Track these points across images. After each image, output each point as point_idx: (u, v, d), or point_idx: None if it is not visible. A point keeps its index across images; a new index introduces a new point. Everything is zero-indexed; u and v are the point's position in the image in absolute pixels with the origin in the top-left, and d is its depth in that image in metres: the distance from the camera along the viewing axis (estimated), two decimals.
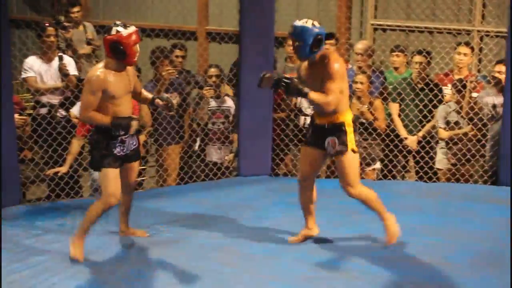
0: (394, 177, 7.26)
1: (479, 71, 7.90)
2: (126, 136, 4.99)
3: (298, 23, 4.90)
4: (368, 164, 7.16)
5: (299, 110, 7.23)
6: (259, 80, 4.91)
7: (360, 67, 7.31)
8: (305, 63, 5.07)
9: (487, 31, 7.89)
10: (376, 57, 8.19)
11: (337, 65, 4.84)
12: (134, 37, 4.81)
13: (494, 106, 6.95)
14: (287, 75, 4.95)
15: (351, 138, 5.01)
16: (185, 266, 4.91)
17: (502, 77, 6.79)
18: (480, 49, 7.98)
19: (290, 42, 7.80)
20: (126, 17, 9.81)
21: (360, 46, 7.46)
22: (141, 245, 5.32)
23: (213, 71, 7.23)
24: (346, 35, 8.59)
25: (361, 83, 7.02)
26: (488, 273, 4.88)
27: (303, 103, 7.18)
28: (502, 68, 6.80)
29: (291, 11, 8.98)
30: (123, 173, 5.08)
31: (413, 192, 6.68)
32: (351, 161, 5.03)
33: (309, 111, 7.13)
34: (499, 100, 6.88)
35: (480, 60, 7.90)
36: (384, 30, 8.50)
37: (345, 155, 4.99)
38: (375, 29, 8.60)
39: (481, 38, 8.02)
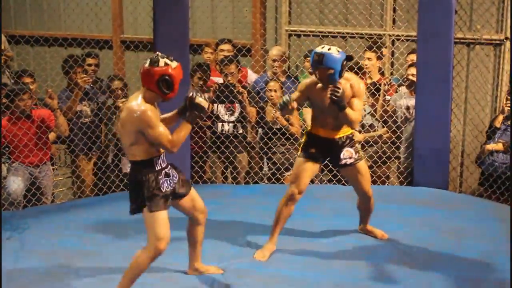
0: (312, 181, 7.32)
1: (391, 74, 8.06)
2: (169, 168, 4.62)
3: (324, 50, 5.02)
4: (287, 169, 7.21)
5: (217, 117, 7.24)
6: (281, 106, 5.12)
7: (275, 73, 7.37)
8: (318, 85, 5.18)
9: (398, 35, 8.06)
10: (291, 62, 8.28)
11: (362, 85, 5.25)
12: (181, 72, 4.53)
13: (407, 108, 7.11)
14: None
15: (359, 146, 5.47)
16: (108, 278, 4.85)
17: (415, 79, 6.95)
18: (392, 53, 8.15)
19: (208, 49, 7.89)
20: (38, 26, 9.65)
21: (274, 52, 7.52)
22: (67, 256, 5.23)
23: (117, 83, 7.18)
24: (260, 41, 8.64)
25: (275, 90, 7.12)
26: (407, 273, 4.98)
27: (220, 110, 7.20)
28: (414, 71, 6.96)
29: (205, 18, 8.99)
30: (183, 206, 4.78)
31: (332, 195, 6.75)
32: (366, 165, 5.45)
33: (226, 118, 7.16)
34: (412, 102, 7.04)
35: (392, 64, 8.05)
36: (298, 36, 8.58)
37: (361, 162, 5.36)
38: (290, 35, 8.68)
39: (393, 42, 8.18)
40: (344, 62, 5.04)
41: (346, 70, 5.14)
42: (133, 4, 9.23)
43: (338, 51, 5.03)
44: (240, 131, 7.26)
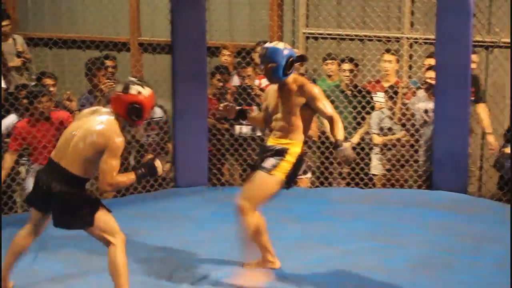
0: (330, 184, 7.33)
1: (409, 77, 8.03)
2: None
3: (270, 44, 4.82)
4: (305, 173, 7.21)
5: None
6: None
7: None
8: (274, 87, 4.92)
9: (416, 38, 8.03)
10: (308, 65, 8.27)
11: (316, 86, 4.87)
12: (153, 101, 4.42)
13: (426, 111, 7.08)
14: None
15: (283, 167, 4.76)
16: None
17: (433, 82, 6.93)
18: (410, 56, 8.12)
19: (225, 52, 7.90)
20: (56, 29, 9.67)
21: None
22: (86, 258, 5.24)
23: None
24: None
25: None
26: (425, 277, 4.96)
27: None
28: (433, 74, 6.93)
29: (222, 21, 8.98)
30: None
31: (349, 198, 6.74)
32: (268, 183, 4.77)
33: (243, 121, 7.17)
34: (430, 105, 7.01)
35: (410, 67, 8.02)
36: (316, 38, 8.56)
37: (265, 174, 4.75)
38: (307, 38, 8.66)
39: (411, 45, 8.15)
40: (291, 59, 4.71)
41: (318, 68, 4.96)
42: (150, 7, 9.25)
43: (285, 47, 4.77)
44: (258, 134, 7.25)
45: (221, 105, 4.97)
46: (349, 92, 7.25)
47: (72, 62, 8.53)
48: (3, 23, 8.16)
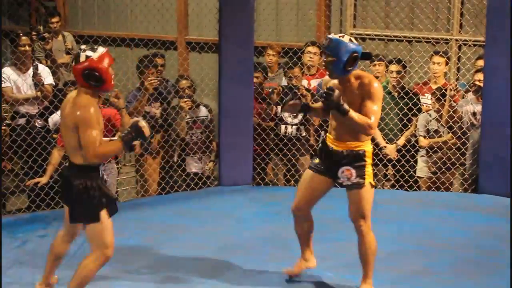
0: (374, 186, 7.28)
1: (457, 79, 7.96)
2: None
3: (334, 36, 4.46)
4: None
5: (280, 119, 7.24)
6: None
7: None
8: (334, 82, 4.53)
9: (465, 40, 7.95)
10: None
11: (378, 85, 4.44)
12: (107, 59, 4.20)
13: (474, 114, 7.00)
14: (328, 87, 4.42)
15: (369, 171, 4.57)
16: (167, 276, 4.89)
17: (482, 85, 6.85)
18: (459, 58, 8.04)
19: (270, 52, 7.91)
20: (105, 27, 9.80)
21: None
22: (127, 254, 5.30)
23: (184, 83, 7.22)
24: None
25: None
26: (470, 281, 4.91)
27: (284, 113, 7.19)
28: (481, 76, 6.85)
29: (270, 20, 9.00)
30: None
31: (394, 200, 6.69)
32: (368, 195, 4.59)
33: (289, 120, 7.16)
34: (478, 108, 6.93)
35: (458, 69, 7.94)
36: (363, 39, 8.53)
37: (362, 190, 4.56)
38: (355, 38, 8.62)
39: (459, 47, 8.07)
40: (354, 55, 4.34)
41: (365, 69, 4.58)
42: (198, 6, 9.31)
43: (351, 41, 4.41)
44: (303, 134, 7.25)
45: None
46: (396, 94, 7.20)
47: (120, 59, 8.60)
48: (54, 19, 8.30)
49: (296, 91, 7.11)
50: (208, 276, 4.93)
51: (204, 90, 7.65)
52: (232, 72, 7.00)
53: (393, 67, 7.26)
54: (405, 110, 7.14)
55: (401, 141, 7.20)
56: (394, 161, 7.20)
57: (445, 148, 7.04)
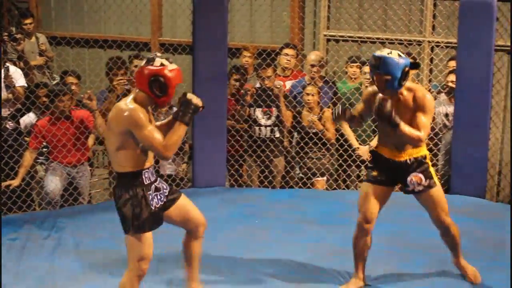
0: (348, 187, 7.32)
1: (430, 81, 8.00)
2: (158, 181, 4.25)
3: (383, 54, 4.45)
4: (322, 174, 7.21)
5: (254, 121, 7.24)
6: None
7: (313, 78, 7.36)
8: (379, 95, 4.53)
9: (437, 42, 8.00)
10: (329, 68, 8.26)
11: (430, 98, 4.57)
12: (178, 76, 4.10)
13: (446, 115, 7.06)
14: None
15: (433, 171, 4.73)
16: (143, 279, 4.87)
17: (454, 86, 6.90)
18: (431, 60, 8.09)
19: (246, 53, 7.91)
20: (79, 28, 9.74)
21: (313, 57, 7.51)
22: (102, 257, 5.27)
23: None
24: (299, 46, 8.63)
25: (312, 94, 7.10)
26: (443, 282, 4.94)
27: (258, 114, 7.20)
28: (454, 77, 6.90)
29: (244, 22, 9.01)
30: (173, 219, 4.41)
31: None
32: (441, 192, 4.79)
33: (263, 121, 7.17)
34: (450, 109, 6.98)
35: (431, 70, 8.00)
36: (337, 41, 8.56)
37: (434, 189, 4.72)
38: (328, 40, 8.66)
39: (432, 48, 8.12)
40: (406, 69, 4.42)
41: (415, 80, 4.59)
42: (172, 7, 9.29)
43: (400, 56, 4.46)
44: (277, 135, 7.26)
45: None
46: None
47: (93, 61, 8.58)
48: (27, 21, 8.24)
49: (269, 92, 7.16)
50: (183, 278, 4.91)
51: (177, 92, 7.62)
52: (206, 74, 7.00)
53: (367, 69, 7.28)
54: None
55: (374, 142, 7.22)
56: (367, 162, 7.21)
57: None
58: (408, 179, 4.67)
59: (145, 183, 4.12)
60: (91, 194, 7.25)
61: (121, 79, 6.89)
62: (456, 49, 7.06)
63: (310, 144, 7.18)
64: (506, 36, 7.60)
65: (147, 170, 4.13)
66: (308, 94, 7.12)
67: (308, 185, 7.25)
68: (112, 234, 5.77)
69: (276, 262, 5.24)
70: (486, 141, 6.86)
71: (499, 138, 7.75)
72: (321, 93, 7.20)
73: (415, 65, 4.57)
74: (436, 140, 7.02)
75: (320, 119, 7.11)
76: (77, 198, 6.75)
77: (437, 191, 4.74)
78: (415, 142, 4.53)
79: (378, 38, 8.03)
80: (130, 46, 7.66)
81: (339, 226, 5.84)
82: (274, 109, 7.20)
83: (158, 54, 4.12)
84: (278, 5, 9.05)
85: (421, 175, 4.66)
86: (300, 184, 7.28)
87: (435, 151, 7.04)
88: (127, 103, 4.00)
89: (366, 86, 7.22)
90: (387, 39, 8.04)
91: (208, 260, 5.24)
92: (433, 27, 8.20)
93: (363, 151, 7.18)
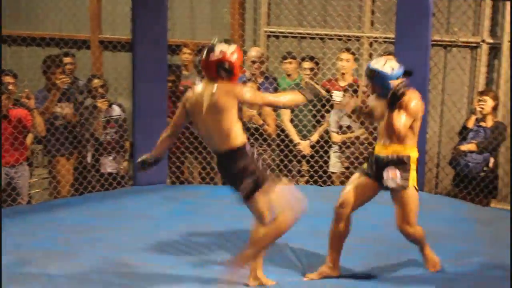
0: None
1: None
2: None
3: (377, 67, 4.75)
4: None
5: None
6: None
7: (253, 74, 7.38)
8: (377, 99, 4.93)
9: (376, 37, 8.09)
10: (269, 64, 8.29)
11: (416, 103, 4.73)
12: (238, 54, 4.49)
13: None
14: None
15: (413, 176, 4.80)
16: (84, 279, 4.83)
17: None
18: (370, 55, 8.18)
19: (186, 50, 7.88)
20: (16, 25, 9.58)
21: (253, 53, 7.53)
22: (42, 257, 5.20)
23: (96, 82, 7.16)
24: (239, 42, 8.64)
25: None
26: (381, 275, 5.00)
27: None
28: None
29: (184, 19, 8.98)
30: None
31: (308, 196, 6.73)
32: (411, 199, 4.82)
33: None
34: None
35: None
36: (277, 37, 8.59)
37: (406, 191, 4.79)
38: (268, 36, 8.69)
39: (371, 44, 8.21)
40: (398, 80, 4.70)
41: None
42: (111, 5, 9.20)
43: (393, 68, 4.73)
44: None
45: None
46: None
47: (31, 59, 8.45)
48: None
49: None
50: (126, 277, 4.88)
51: (117, 90, 7.59)
52: (146, 71, 6.98)
53: (306, 64, 7.37)
54: (318, 106, 7.23)
55: (315, 137, 7.30)
56: (308, 157, 7.28)
57: (357, 143, 7.16)
58: (385, 171, 4.79)
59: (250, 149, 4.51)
60: (31, 194, 7.15)
61: (63, 78, 6.80)
62: (394, 44, 7.15)
63: (252, 140, 7.20)
64: (442, 31, 7.73)
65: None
66: None
67: None
68: (52, 234, 5.73)
69: (218, 257, 5.25)
70: (423, 134, 6.95)
71: (437, 132, 7.88)
72: (262, 89, 7.22)
73: (407, 73, 4.80)
74: (375, 134, 7.10)
75: (260, 114, 7.14)
76: (16, 198, 6.65)
77: (409, 197, 4.81)
78: (394, 131, 4.66)
79: (317, 34, 8.10)
80: (68, 44, 7.57)
81: None
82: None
83: (216, 40, 4.48)
84: (218, 1, 9.04)
85: (397, 172, 4.75)
86: None
87: (375, 145, 7.11)
88: (227, 84, 4.41)
89: (306, 82, 7.27)
90: (326, 35, 8.11)
91: (150, 256, 5.25)
92: (372, 23, 8.30)
93: (304, 146, 7.24)
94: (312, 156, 7.25)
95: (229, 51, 4.41)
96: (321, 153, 7.24)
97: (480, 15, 7.89)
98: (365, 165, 4.98)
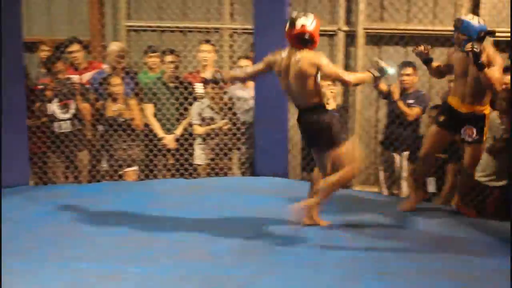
0: (155, 176, 7.34)
1: (231, 67, 8.15)
2: None
3: (464, 18, 5.53)
4: (129, 165, 7.19)
5: (52, 116, 7.08)
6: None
7: (114, 69, 7.30)
8: (459, 53, 5.56)
9: (235, 29, 8.16)
10: (130, 58, 8.22)
11: (498, 56, 5.43)
12: (317, 23, 5.14)
13: (245, 99, 7.22)
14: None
15: (486, 131, 5.63)
16: None
17: None
18: (230, 46, 8.25)
19: (44, 47, 7.70)
20: None
21: (113, 47, 7.46)
22: None
23: None
24: (99, 37, 8.52)
25: (116, 85, 7.06)
26: (250, 261, 5.05)
27: (54, 109, 7.07)
28: (246, 62, 7.07)
29: (41, 15, 8.76)
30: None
31: (175, 189, 6.76)
32: (482, 150, 5.77)
33: (61, 116, 7.05)
34: (248, 92, 7.16)
35: (231, 57, 8.15)
36: (137, 31, 8.53)
37: (479, 144, 5.66)
38: (129, 30, 8.61)
39: (231, 35, 8.28)
40: (482, 34, 5.35)
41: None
42: None
43: (479, 22, 5.43)
44: (79, 127, 7.15)
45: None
46: (171, 84, 7.28)
47: None
48: None
49: (69, 85, 7.03)
50: None
51: None
52: (1, 70, 6.74)
53: (168, 58, 7.35)
54: (181, 99, 7.24)
55: (179, 130, 7.30)
56: (173, 151, 7.28)
57: (221, 134, 7.22)
58: (463, 129, 5.64)
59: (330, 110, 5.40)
60: None
61: None
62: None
63: (116, 135, 7.14)
64: None
65: None
66: (114, 86, 7.08)
67: (116, 177, 7.20)
68: None
69: (89, 256, 5.16)
70: (286, 122, 7.08)
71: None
72: (124, 84, 7.16)
73: (491, 33, 5.46)
74: (238, 125, 7.18)
75: (127, 108, 7.11)
76: None
77: (480, 150, 5.73)
78: (494, 82, 5.34)
79: (177, 27, 8.10)
80: None
81: (150, 215, 5.85)
82: (72, 102, 7.08)
83: (295, 13, 5.19)
84: None
85: (474, 130, 5.61)
86: (107, 177, 7.23)
87: (238, 135, 7.20)
88: (309, 52, 5.12)
89: (168, 75, 7.27)
90: (186, 27, 8.12)
91: (15, 263, 5.10)
92: (231, 14, 8.36)
93: (169, 140, 7.24)
94: (177, 149, 7.25)
95: (308, 23, 5.08)
96: (185, 146, 7.25)
97: (335, 4, 8.12)
98: (442, 118, 5.72)
